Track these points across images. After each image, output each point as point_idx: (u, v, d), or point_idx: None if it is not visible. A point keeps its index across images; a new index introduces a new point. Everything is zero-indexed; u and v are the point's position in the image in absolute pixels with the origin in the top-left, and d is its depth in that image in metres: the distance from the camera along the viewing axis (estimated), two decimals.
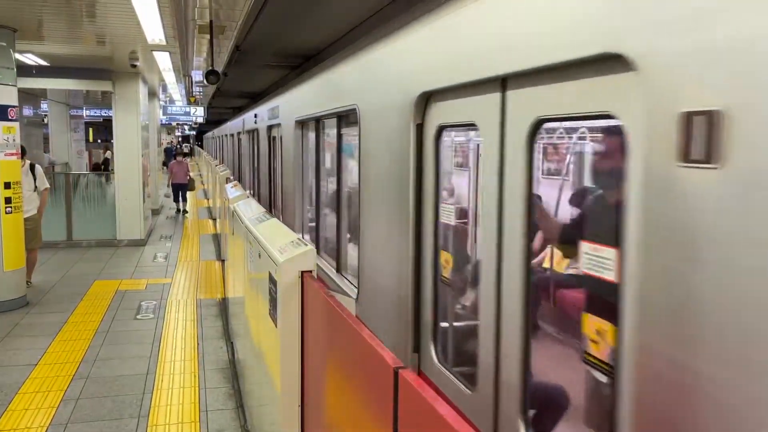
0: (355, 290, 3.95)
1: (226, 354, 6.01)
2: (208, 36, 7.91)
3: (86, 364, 5.72)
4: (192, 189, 17.62)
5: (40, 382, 5.26)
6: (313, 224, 5.99)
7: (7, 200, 7.31)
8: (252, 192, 9.83)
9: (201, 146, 47.45)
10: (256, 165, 9.80)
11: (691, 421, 1.29)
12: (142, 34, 7.42)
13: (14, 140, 7.38)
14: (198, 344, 6.29)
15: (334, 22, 7.63)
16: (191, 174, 17.19)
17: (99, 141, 27.29)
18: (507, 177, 2.15)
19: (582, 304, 2.18)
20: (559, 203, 2.80)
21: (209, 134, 31.49)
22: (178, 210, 16.79)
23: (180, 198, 16.82)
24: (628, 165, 1.49)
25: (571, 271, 2.61)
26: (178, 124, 34.75)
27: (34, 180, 8.27)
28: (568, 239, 2.47)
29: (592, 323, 1.94)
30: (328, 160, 5.88)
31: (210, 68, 9.00)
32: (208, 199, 18.34)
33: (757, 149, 1.14)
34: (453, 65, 2.46)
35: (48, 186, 8.67)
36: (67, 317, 7.09)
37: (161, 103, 21.63)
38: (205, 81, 9.57)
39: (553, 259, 2.77)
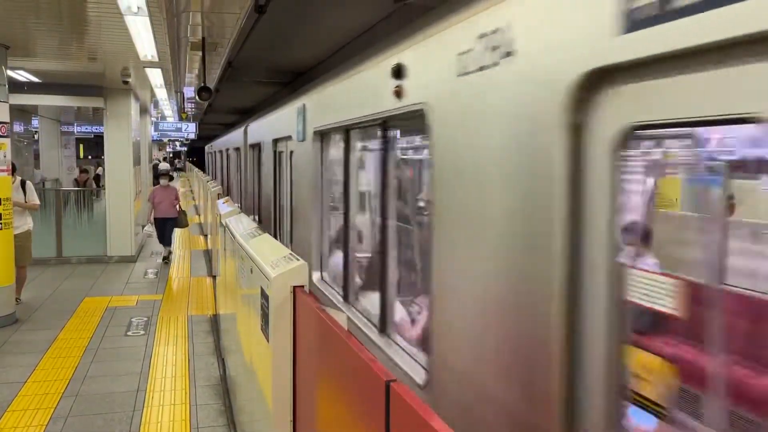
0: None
1: (218, 370, 5.98)
2: (200, 53, 7.97)
3: (76, 381, 5.67)
4: (184, 225, 12.23)
5: (29, 400, 5.21)
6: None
7: None
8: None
9: (193, 163, 47.53)
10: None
11: None
12: (134, 50, 7.45)
13: (5, 156, 7.36)
14: (189, 361, 6.25)
15: (326, 39, 7.71)
16: (181, 203, 12.11)
17: (90, 157, 27.23)
18: None
19: None
20: None
21: (213, 146, 21.23)
22: (165, 258, 11.71)
23: (167, 238, 11.82)
24: None
25: None
26: (169, 140, 34.76)
27: (25, 196, 8.24)
28: None
29: None
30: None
31: (202, 85, 9.05)
32: (199, 215, 18.13)
33: None
34: None
35: (38, 202, 8.64)
36: (57, 334, 7.03)
37: (153, 119, 21.63)
38: (197, 97, 9.61)
39: None
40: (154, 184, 18.21)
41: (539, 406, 1.93)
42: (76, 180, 18.01)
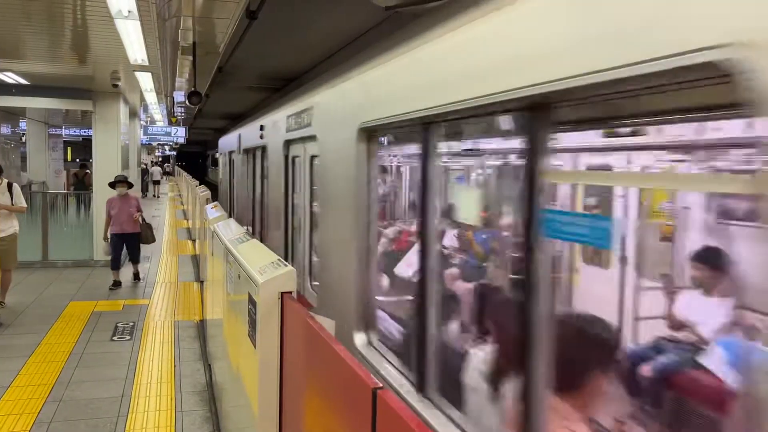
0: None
1: (204, 376, 5.94)
2: (190, 57, 7.94)
3: (60, 386, 5.61)
4: (150, 241, 10.12)
5: (12, 405, 5.15)
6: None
7: None
8: None
9: (182, 167, 47.45)
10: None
11: None
12: (124, 54, 7.43)
13: None
14: (175, 366, 6.21)
15: (318, 46, 7.71)
16: (143, 215, 9.96)
17: (77, 160, 27.10)
18: None
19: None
20: None
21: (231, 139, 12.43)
22: (116, 282, 9.74)
23: (129, 257, 10.05)
24: None
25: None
26: (158, 144, 34.61)
27: (11, 199, 8.17)
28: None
29: None
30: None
31: (192, 89, 9.03)
32: (187, 220, 18.03)
33: None
34: None
35: (26, 205, 8.57)
36: (41, 339, 6.96)
37: (142, 123, 21.54)
38: (187, 102, 9.58)
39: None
40: (144, 191, 17.61)
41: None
42: (75, 174, 17.89)
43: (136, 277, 10.19)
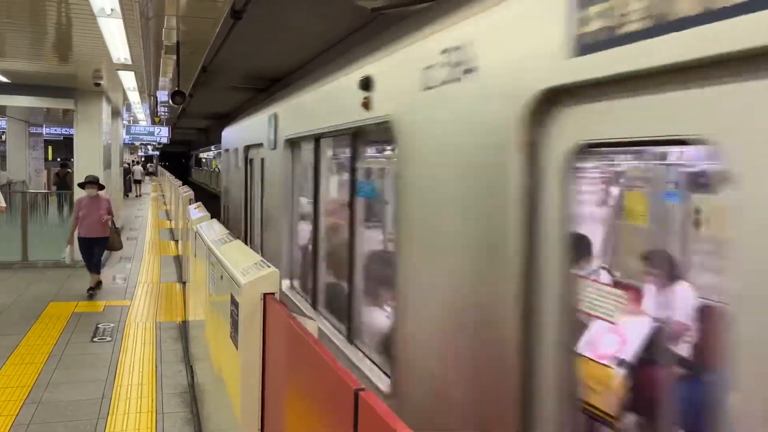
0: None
1: (185, 378, 5.89)
2: (174, 56, 7.91)
3: (39, 388, 5.54)
4: (116, 248, 9.51)
5: None
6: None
7: None
8: None
9: (165, 167, 47.18)
10: None
11: None
12: (107, 53, 7.36)
13: None
14: (156, 368, 6.16)
15: (303, 47, 7.71)
16: (114, 218, 9.26)
17: (58, 159, 26.84)
18: None
19: None
20: None
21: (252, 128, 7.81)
22: (98, 283, 9.24)
23: (95, 264, 9.12)
24: None
25: None
26: (141, 144, 34.33)
27: None
28: None
29: None
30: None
31: (176, 89, 8.97)
32: (170, 220, 17.89)
33: None
34: None
35: (5, 204, 8.46)
36: (20, 340, 6.87)
37: (124, 122, 21.36)
38: (170, 101, 9.53)
39: None
40: (125, 191, 17.28)
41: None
42: (57, 174, 17.68)
43: (92, 289, 9.04)
